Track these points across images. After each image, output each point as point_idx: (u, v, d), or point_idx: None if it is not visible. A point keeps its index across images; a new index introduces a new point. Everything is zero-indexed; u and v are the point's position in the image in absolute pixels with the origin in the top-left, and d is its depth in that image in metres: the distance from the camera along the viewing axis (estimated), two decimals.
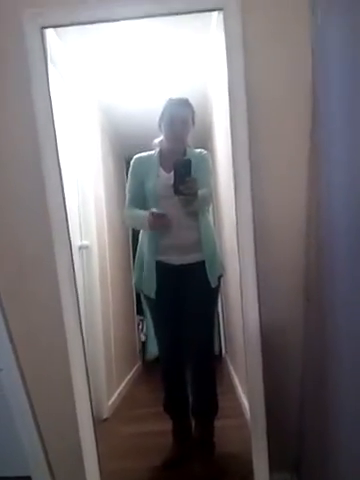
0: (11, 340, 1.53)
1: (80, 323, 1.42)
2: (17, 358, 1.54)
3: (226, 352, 2.12)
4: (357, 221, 1.06)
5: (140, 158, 1.83)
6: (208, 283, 1.70)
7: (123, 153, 2.24)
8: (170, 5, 1.37)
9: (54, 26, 1.41)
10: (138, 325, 2.30)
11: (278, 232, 1.49)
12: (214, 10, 1.42)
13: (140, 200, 1.77)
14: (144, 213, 1.71)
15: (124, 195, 1.91)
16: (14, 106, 1.48)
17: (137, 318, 2.29)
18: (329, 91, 1.25)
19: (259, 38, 1.43)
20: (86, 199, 1.83)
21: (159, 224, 1.68)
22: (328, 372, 1.25)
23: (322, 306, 1.30)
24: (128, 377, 2.10)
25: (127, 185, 1.83)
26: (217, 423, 1.74)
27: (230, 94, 1.39)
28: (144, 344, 2.30)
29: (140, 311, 2.29)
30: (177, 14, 1.39)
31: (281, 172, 1.49)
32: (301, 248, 1.47)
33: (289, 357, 1.51)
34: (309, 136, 1.43)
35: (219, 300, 1.82)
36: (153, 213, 1.67)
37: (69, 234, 1.42)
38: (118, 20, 1.42)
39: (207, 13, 1.51)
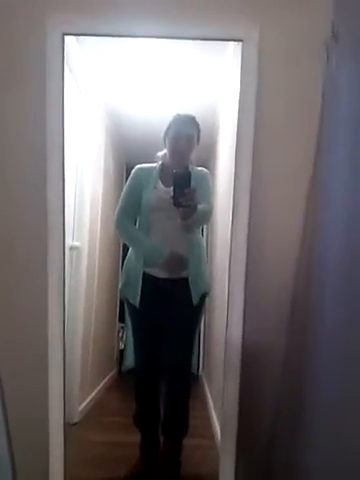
0: None
1: (63, 327, 1.41)
2: None
3: (203, 371, 2.11)
4: (351, 244, 1.07)
5: (141, 169, 1.83)
6: (191, 300, 1.70)
7: (125, 158, 2.24)
8: (192, 31, 1.41)
9: (75, 34, 1.44)
10: (118, 332, 2.28)
11: (271, 255, 1.49)
12: (234, 40, 1.45)
13: (133, 210, 1.78)
14: (158, 247, 1.73)
15: None
16: (28, 106, 1.48)
17: (118, 325, 2.28)
18: (336, 132, 1.28)
19: (273, 72, 1.46)
20: (83, 200, 1.82)
21: (173, 266, 1.69)
22: (305, 398, 1.25)
23: (306, 332, 1.30)
24: (102, 383, 2.07)
25: (122, 193, 1.82)
26: (186, 441, 1.73)
27: (239, 120, 1.43)
28: (122, 352, 2.28)
29: (122, 318, 2.28)
30: (199, 40, 1.44)
31: (280, 197, 1.50)
32: (291, 273, 1.48)
33: (267, 380, 1.50)
34: (312, 168, 1.45)
35: (202, 318, 1.80)
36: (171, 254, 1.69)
37: (64, 238, 1.42)
38: (139, 37, 1.46)
39: None
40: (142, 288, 1.73)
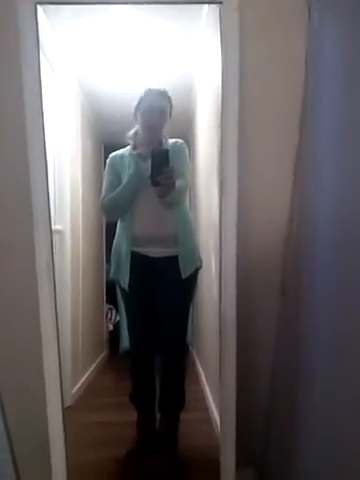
0: None
1: (55, 311, 1.39)
2: None
3: (193, 345, 2.12)
4: (339, 219, 1.07)
5: (115, 156, 1.80)
6: (181, 276, 1.69)
7: (102, 137, 2.20)
8: None
9: (48, 3, 1.37)
10: (107, 314, 2.27)
11: (259, 225, 1.49)
12: (213, 3, 1.40)
13: None
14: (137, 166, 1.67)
15: (101, 180, 1.88)
16: (2, 83, 1.42)
17: (106, 307, 2.27)
18: (321, 95, 1.26)
19: (254, 35, 1.42)
20: (62, 182, 1.78)
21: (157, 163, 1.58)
22: (300, 366, 1.27)
23: (298, 301, 1.31)
24: (93, 366, 2.07)
25: (103, 184, 1.79)
26: (181, 416, 1.75)
27: (223, 89, 1.37)
28: (111, 333, 2.28)
29: (109, 300, 2.27)
30: (177, 3, 1.39)
31: (267, 168, 1.49)
32: (280, 241, 1.47)
33: (261, 350, 1.51)
34: (298, 135, 1.44)
35: (194, 294, 1.80)
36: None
37: (50, 220, 1.38)
38: (116, 3, 1.40)
39: (198, 7, 1.51)
40: (133, 268, 1.70)
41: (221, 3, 1.35)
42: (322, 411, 1.12)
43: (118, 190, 1.71)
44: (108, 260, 2.19)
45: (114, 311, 2.30)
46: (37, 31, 1.34)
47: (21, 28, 1.32)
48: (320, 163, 1.23)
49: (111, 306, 2.31)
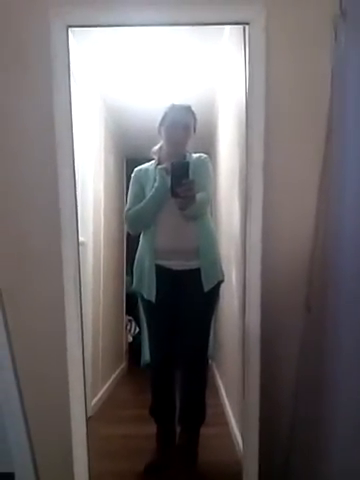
0: (8, 337, 1.50)
1: (81, 322, 1.41)
2: (12, 354, 1.51)
3: (213, 359, 2.11)
4: None
5: (139, 170, 1.82)
6: (203, 289, 1.69)
7: (124, 152, 2.23)
8: (198, 15, 1.38)
9: (80, 26, 1.41)
10: (126, 325, 2.28)
11: (285, 240, 1.49)
12: (241, 24, 1.42)
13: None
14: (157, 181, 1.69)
15: (123, 194, 1.90)
16: (34, 101, 1.47)
17: (126, 318, 2.28)
18: (346, 111, 1.27)
19: (281, 53, 1.44)
20: (85, 195, 1.81)
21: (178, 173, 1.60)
22: (325, 381, 1.26)
23: (324, 316, 1.31)
24: (113, 377, 2.08)
25: (128, 197, 1.80)
26: (201, 430, 1.73)
27: (249, 106, 1.40)
28: (130, 345, 2.29)
29: (129, 311, 2.28)
30: (204, 25, 1.41)
31: (293, 180, 1.49)
32: (306, 257, 1.47)
33: (284, 365, 1.51)
34: (323, 153, 1.45)
35: (216, 307, 1.79)
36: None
37: (78, 231, 1.41)
38: (146, 25, 1.43)
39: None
40: (157, 282, 1.71)
41: (248, 24, 1.37)
42: (348, 426, 1.11)
43: (143, 203, 1.73)
44: (128, 272, 2.21)
45: (133, 323, 2.31)
46: (68, 52, 1.38)
47: (53, 49, 1.37)
48: (346, 177, 1.23)
49: (130, 317, 2.32)
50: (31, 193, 1.50)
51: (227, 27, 1.60)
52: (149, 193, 1.72)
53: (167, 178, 1.65)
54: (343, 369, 1.16)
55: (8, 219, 1.51)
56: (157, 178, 1.71)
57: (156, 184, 1.70)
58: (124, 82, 1.89)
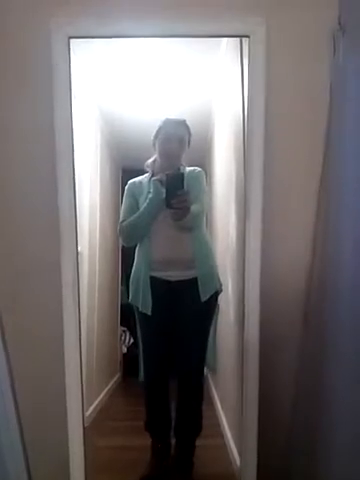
0: (4, 345, 1.48)
1: (79, 332, 1.41)
2: (9, 364, 1.48)
3: (208, 371, 2.11)
4: None
5: (133, 183, 1.82)
6: (201, 301, 1.68)
7: (120, 162, 2.25)
8: (199, 28, 1.39)
9: (81, 37, 1.41)
10: (120, 336, 2.28)
11: (283, 251, 1.49)
12: (240, 36, 1.45)
13: None
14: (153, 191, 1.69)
15: (118, 204, 1.91)
16: (34, 112, 1.47)
17: (120, 329, 2.28)
18: (344, 124, 1.30)
19: (280, 67, 1.45)
20: (81, 205, 1.81)
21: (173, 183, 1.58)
22: (324, 391, 1.26)
23: (322, 327, 1.31)
24: (107, 388, 2.06)
25: (121, 210, 1.79)
26: (196, 442, 1.72)
27: (249, 118, 1.41)
28: (124, 356, 2.28)
29: (123, 322, 2.28)
30: (205, 37, 1.43)
31: (290, 183, 1.49)
32: (305, 267, 1.48)
33: (282, 375, 1.49)
34: (322, 165, 1.46)
35: (214, 318, 1.78)
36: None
37: (76, 238, 1.41)
38: (147, 37, 1.44)
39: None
40: (152, 293, 1.70)
41: (248, 36, 1.39)
42: (346, 435, 1.11)
43: (137, 214, 1.72)
44: (123, 283, 2.21)
45: (128, 333, 2.31)
46: (69, 62, 1.39)
47: (54, 59, 1.38)
48: (344, 190, 1.25)
49: (125, 328, 2.31)
50: (30, 200, 1.50)
51: (224, 40, 1.63)
52: (143, 204, 1.73)
53: (161, 189, 1.66)
54: (342, 379, 1.16)
55: (7, 226, 1.50)
56: (151, 189, 1.71)
57: (150, 195, 1.71)
58: (121, 93, 1.91)
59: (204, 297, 1.67)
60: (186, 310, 1.69)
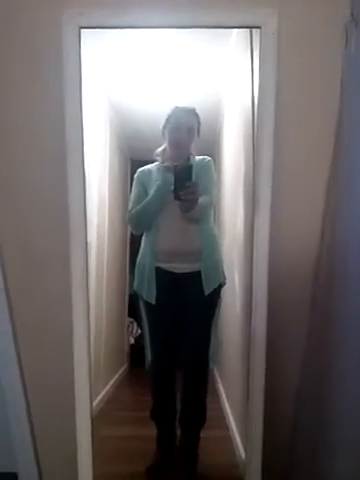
0: (15, 336, 1.50)
1: (88, 323, 1.42)
2: (19, 355, 1.51)
3: (214, 361, 2.11)
4: None
5: (142, 171, 1.82)
6: (204, 292, 1.68)
7: (129, 153, 2.24)
8: (210, 19, 1.38)
9: (93, 27, 1.40)
10: (128, 327, 2.28)
11: (291, 242, 1.48)
12: (252, 27, 1.43)
13: None
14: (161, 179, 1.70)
15: (127, 195, 1.91)
16: (44, 102, 1.47)
17: (127, 320, 2.28)
18: (356, 117, 1.28)
19: (291, 58, 1.44)
20: (90, 196, 1.80)
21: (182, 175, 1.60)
22: (330, 381, 1.26)
23: (329, 317, 1.30)
24: (114, 379, 2.08)
25: (130, 198, 1.80)
26: (201, 433, 1.73)
27: (259, 109, 1.39)
28: (132, 346, 2.29)
29: (131, 313, 2.28)
30: (215, 28, 1.40)
31: (300, 174, 1.49)
32: (312, 258, 1.47)
33: (288, 366, 1.49)
34: (332, 157, 1.44)
35: (218, 310, 1.78)
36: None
37: (86, 229, 1.41)
38: (158, 27, 1.43)
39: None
40: (157, 283, 1.70)
41: (260, 27, 1.37)
42: (354, 426, 1.11)
43: (145, 202, 1.73)
44: (131, 273, 2.21)
45: (135, 324, 2.31)
46: (80, 53, 1.38)
47: (65, 49, 1.37)
48: (354, 181, 1.24)
49: (132, 319, 2.32)
50: (40, 191, 1.50)
51: (234, 30, 1.61)
52: (151, 192, 1.72)
53: (169, 176, 1.65)
54: (349, 369, 1.16)
55: (17, 217, 1.51)
56: (159, 176, 1.71)
57: (158, 182, 1.70)
58: (130, 83, 1.90)
59: (207, 291, 1.68)
60: (189, 302, 1.70)
